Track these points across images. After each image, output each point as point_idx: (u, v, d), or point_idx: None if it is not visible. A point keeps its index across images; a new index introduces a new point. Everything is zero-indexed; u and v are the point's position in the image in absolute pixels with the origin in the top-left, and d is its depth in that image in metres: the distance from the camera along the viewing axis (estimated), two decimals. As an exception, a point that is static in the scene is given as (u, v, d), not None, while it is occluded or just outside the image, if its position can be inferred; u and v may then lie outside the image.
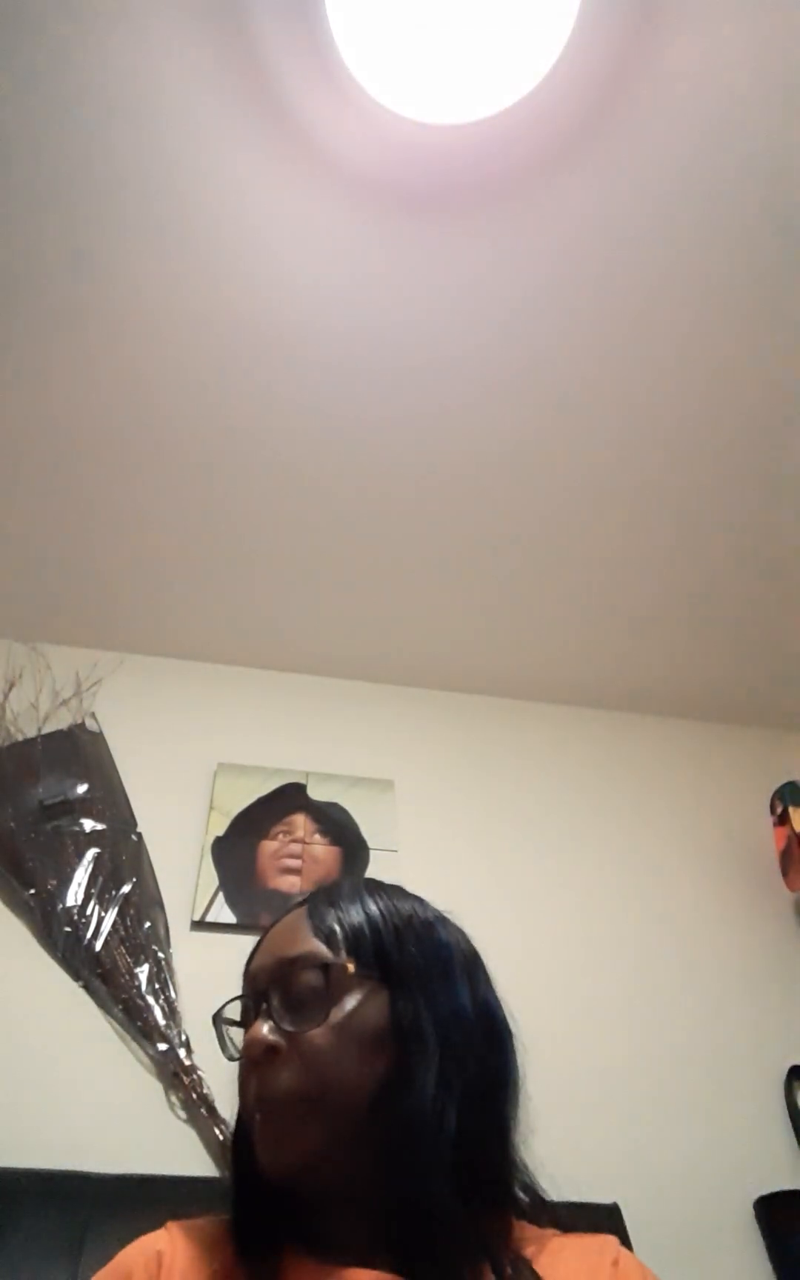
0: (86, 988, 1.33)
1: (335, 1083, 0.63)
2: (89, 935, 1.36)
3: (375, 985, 0.67)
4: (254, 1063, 0.66)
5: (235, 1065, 0.71)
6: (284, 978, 0.68)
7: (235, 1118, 0.71)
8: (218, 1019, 0.73)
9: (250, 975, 0.72)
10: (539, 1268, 0.62)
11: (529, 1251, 0.64)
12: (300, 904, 0.75)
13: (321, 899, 0.74)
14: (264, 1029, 0.65)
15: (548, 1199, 0.69)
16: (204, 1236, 0.67)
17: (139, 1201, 1.07)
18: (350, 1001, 0.66)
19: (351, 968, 0.67)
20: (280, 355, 1.40)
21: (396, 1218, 0.62)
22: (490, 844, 1.68)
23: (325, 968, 0.67)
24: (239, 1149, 0.69)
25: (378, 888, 0.76)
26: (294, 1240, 0.65)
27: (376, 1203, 0.63)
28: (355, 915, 0.71)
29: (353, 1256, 0.63)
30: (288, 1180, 0.64)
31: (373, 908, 0.72)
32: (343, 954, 0.68)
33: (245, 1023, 0.70)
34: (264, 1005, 0.67)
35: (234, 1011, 0.73)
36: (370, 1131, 0.63)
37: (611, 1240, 0.68)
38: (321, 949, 0.68)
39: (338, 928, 0.70)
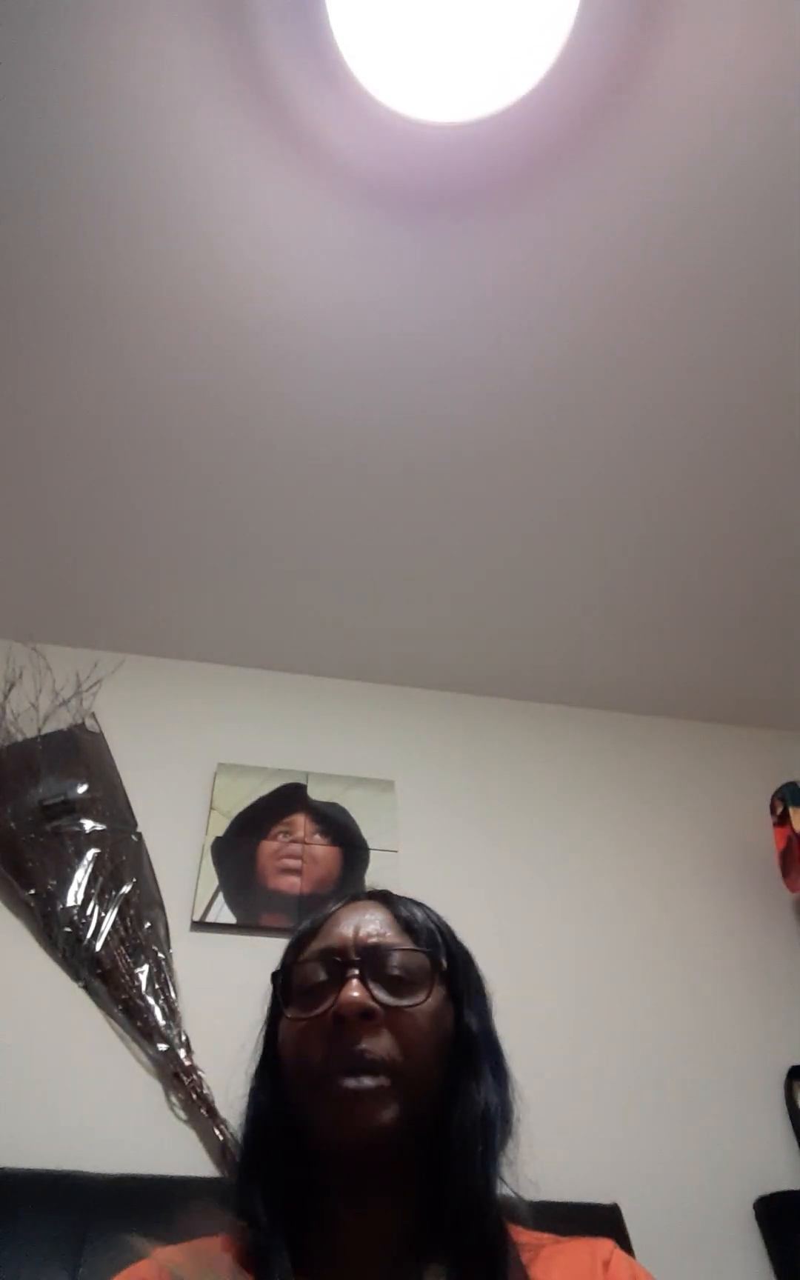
0: (86, 988, 1.33)
1: (420, 1061, 0.65)
2: (89, 935, 1.36)
3: (446, 991, 0.71)
4: (343, 1022, 0.65)
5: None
6: (376, 955, 0.69)
7: (255, 1098, 0.71)
8: (276, 977, 0.74)
9: (329, 948, 0.71)
10: (533, 1275, 0.62)
11: (525, 1258, 0.64)
12: (364, 897, 0.77)
13: (395, 899, 0.77)
14: (362, 993, 0.66)
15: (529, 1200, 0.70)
16: (195, 1256, 0.66)
17: (139, 1201, 1.07)
18: (437, 995, 0.69)
19: (445, 965, 0.71)
20: (279, 355, 1.40)
21: (446, 1211, 0.62)
22: (490, 844, 1.68)
23: (421, 956, 0.70)
24: (272, 1124, 0.69)
25: (427, 908, 0.79)
26: (295, 1256, 0.63)
27: (412, 1200, 0.63)
28: (428, 924, 0.75)
29: (355, 1273, 0.62)
30: (362, 1142, 0.62)
31: (439, 922, 0.77)
32: (431, 952, 0.71)
33: (321, 986, 0.69)
34: (353, 973, 0.67)
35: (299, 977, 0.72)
36: (434, 1120, 0.64)
37: (606, 1243, 0.68)
38: (410, 940, 0.72)
39: (419, 927, 0.73)
